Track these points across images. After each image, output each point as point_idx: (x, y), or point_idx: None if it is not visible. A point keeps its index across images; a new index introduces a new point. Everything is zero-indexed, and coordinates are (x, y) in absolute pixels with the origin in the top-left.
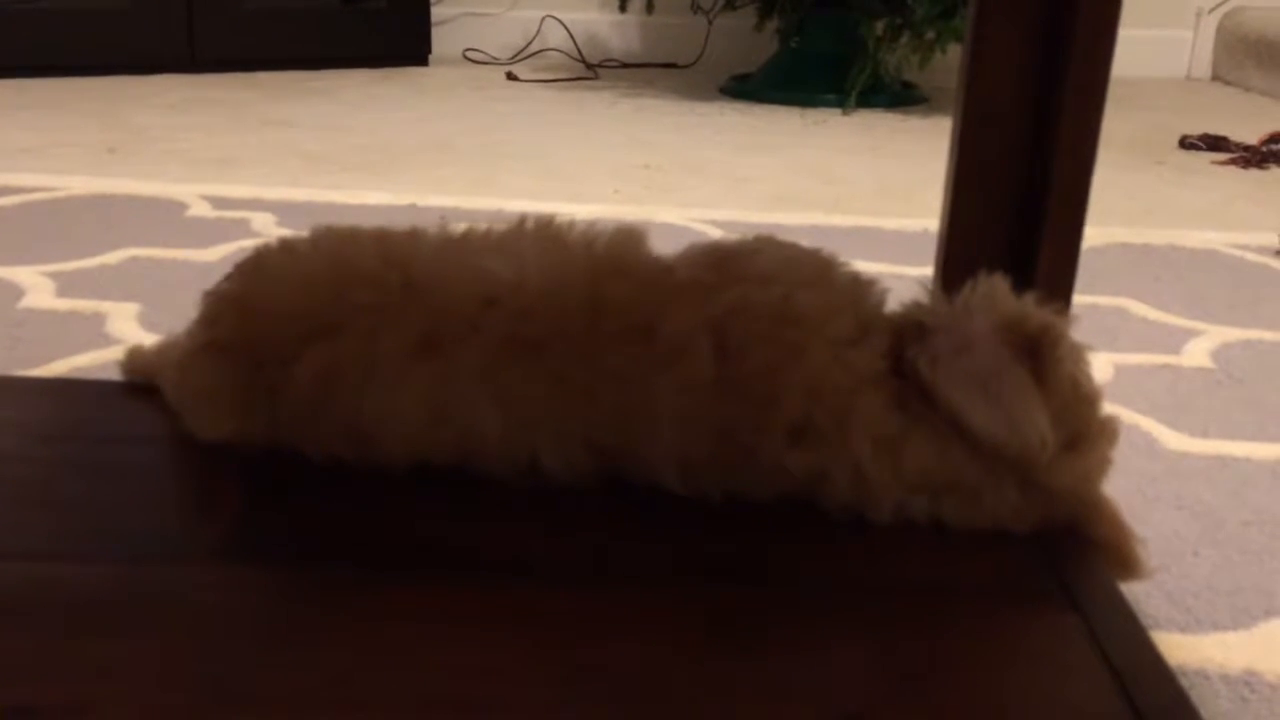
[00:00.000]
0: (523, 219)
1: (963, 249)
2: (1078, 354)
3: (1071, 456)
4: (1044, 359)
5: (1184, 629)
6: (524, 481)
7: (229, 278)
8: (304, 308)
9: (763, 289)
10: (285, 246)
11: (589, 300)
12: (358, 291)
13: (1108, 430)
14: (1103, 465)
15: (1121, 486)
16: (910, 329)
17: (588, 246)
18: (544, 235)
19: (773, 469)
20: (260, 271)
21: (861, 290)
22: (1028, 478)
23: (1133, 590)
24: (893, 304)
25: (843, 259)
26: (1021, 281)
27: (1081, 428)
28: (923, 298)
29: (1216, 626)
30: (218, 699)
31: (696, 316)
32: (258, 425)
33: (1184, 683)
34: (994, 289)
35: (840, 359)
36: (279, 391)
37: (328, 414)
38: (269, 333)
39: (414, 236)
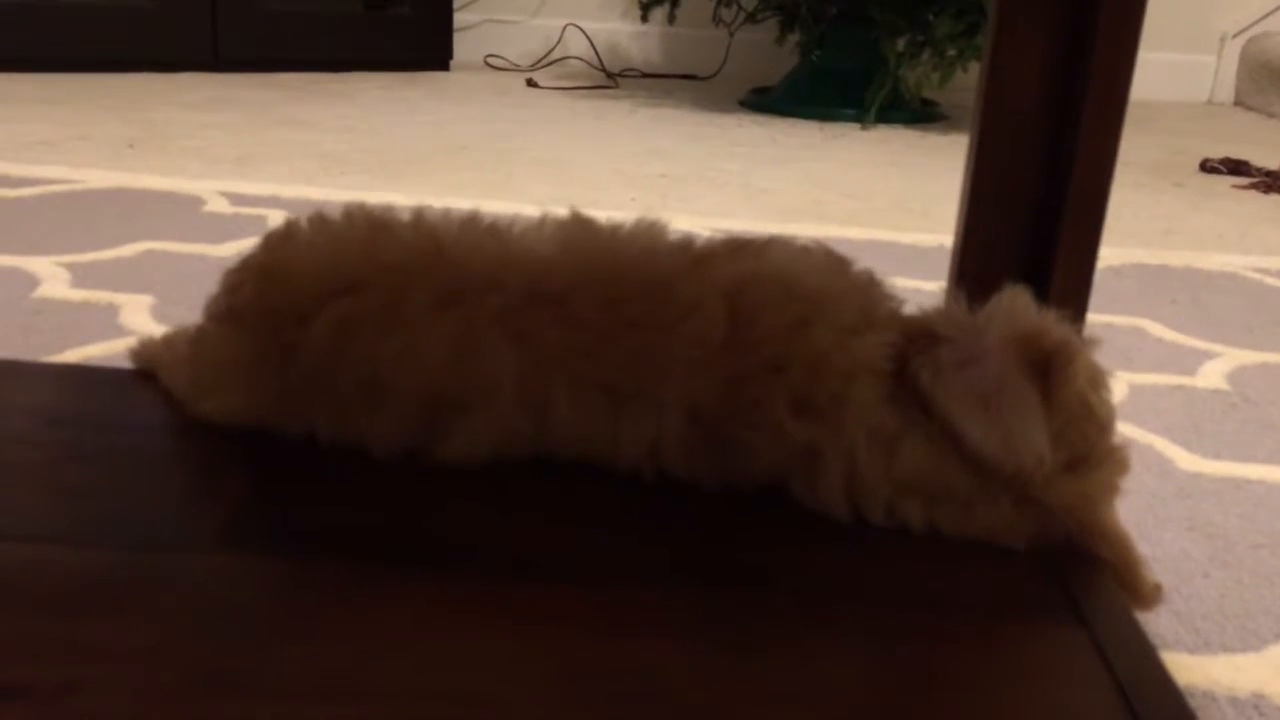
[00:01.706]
0: (545, 215)
1: (977, 261)
2: (1096, 376)
3: (1072, 477)
4: (1054, 376)
5: (1192, 650)
6: (535, 427)
7: (255, 249)
8: (331, 271)
9: (776, 267)
10: (316, 217)
11: (609, 264)
12: (388, 252)
13: (1115, 457)
14: (1107, 490)
15: (1133, 506)
16: (921, 335)
17: (612, 230)
18: (568, 219)
19: (776, 431)
20: (289, 241)
21: (873, 287)
22: (1024, 493)
23: (1140, 611)
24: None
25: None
26: (1036, 295)
27: (1086, 449)
28: (946, 306)
29: (1225, 648)
30: (210, 686)
31: (712, 281)
32: (268, 396)
33: (1191, 704)
34: (1015, 302)
35: (842, 343)
36: (294, 350)
37: (343, 365)
38: (291, 295)
39: (445, 215)
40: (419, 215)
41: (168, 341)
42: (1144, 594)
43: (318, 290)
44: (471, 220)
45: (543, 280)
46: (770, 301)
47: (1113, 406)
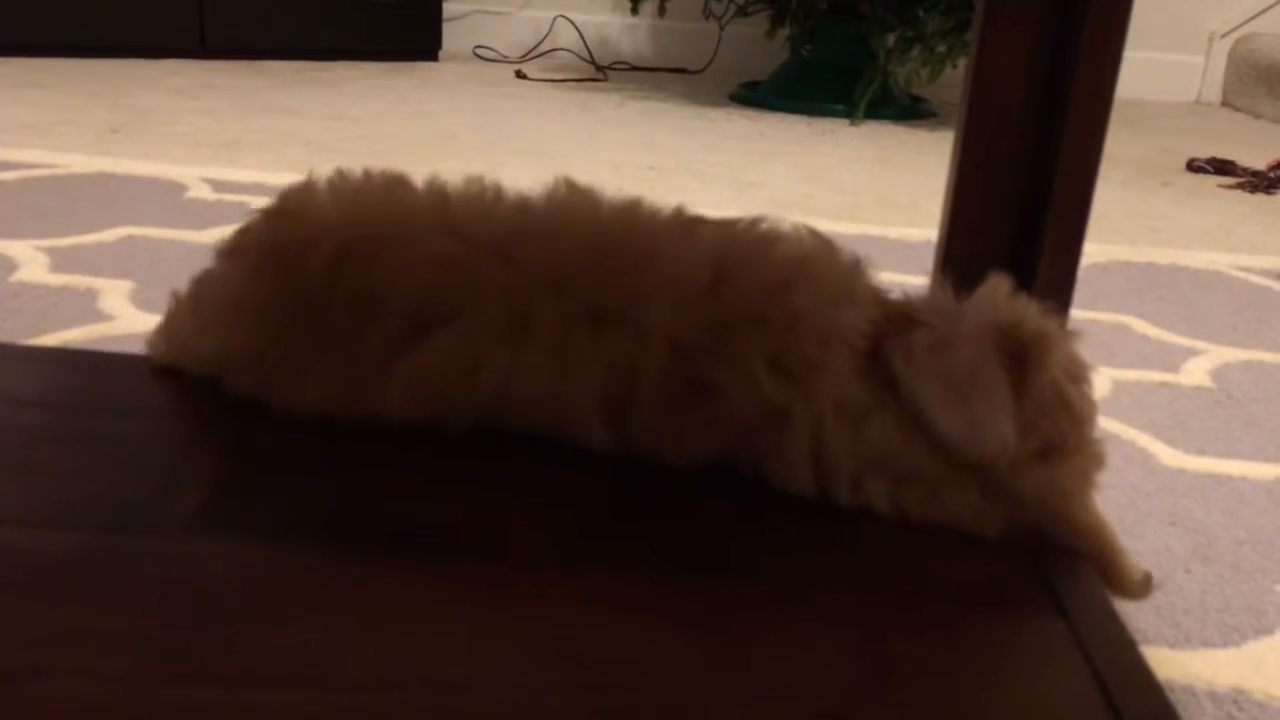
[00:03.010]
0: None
1: (962, 254)
2: (1076, 369)
3: (1043, 466)
4: (1029, 365)
5: (1173, 645)
6: (513, 347)
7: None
8: (340, 211)
9: (762, 235)
10: (335, 173)
11: (595, 215)
12: (397, 199)
13: (1090, 450)
14: (1082, 483)
15: (1116, 501)
16: (899, 318)
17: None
18: (561, 183)
19: (752, 383)
20: (304, 190)
21: (857, 270)
22: (991, 480)
23: (1122, 605)
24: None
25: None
26: (1021, 288)
27: (1059, 440)
28: (929, 293)
29: (1206, 643)
30: (177, 672)
31: (698, 240)
32: (267, 331)
33: (1170, 698)
34: (996, 291)
35: (821, 310)
36: (295, 277)
37: (338, 287)
38: (298, 231)
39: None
40: (433, 177)
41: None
42: (1131, 585)
43: (324, 226)
44: (478, 182)
45: (530, 218)
46: (754, 261)
47: (1092, 401)
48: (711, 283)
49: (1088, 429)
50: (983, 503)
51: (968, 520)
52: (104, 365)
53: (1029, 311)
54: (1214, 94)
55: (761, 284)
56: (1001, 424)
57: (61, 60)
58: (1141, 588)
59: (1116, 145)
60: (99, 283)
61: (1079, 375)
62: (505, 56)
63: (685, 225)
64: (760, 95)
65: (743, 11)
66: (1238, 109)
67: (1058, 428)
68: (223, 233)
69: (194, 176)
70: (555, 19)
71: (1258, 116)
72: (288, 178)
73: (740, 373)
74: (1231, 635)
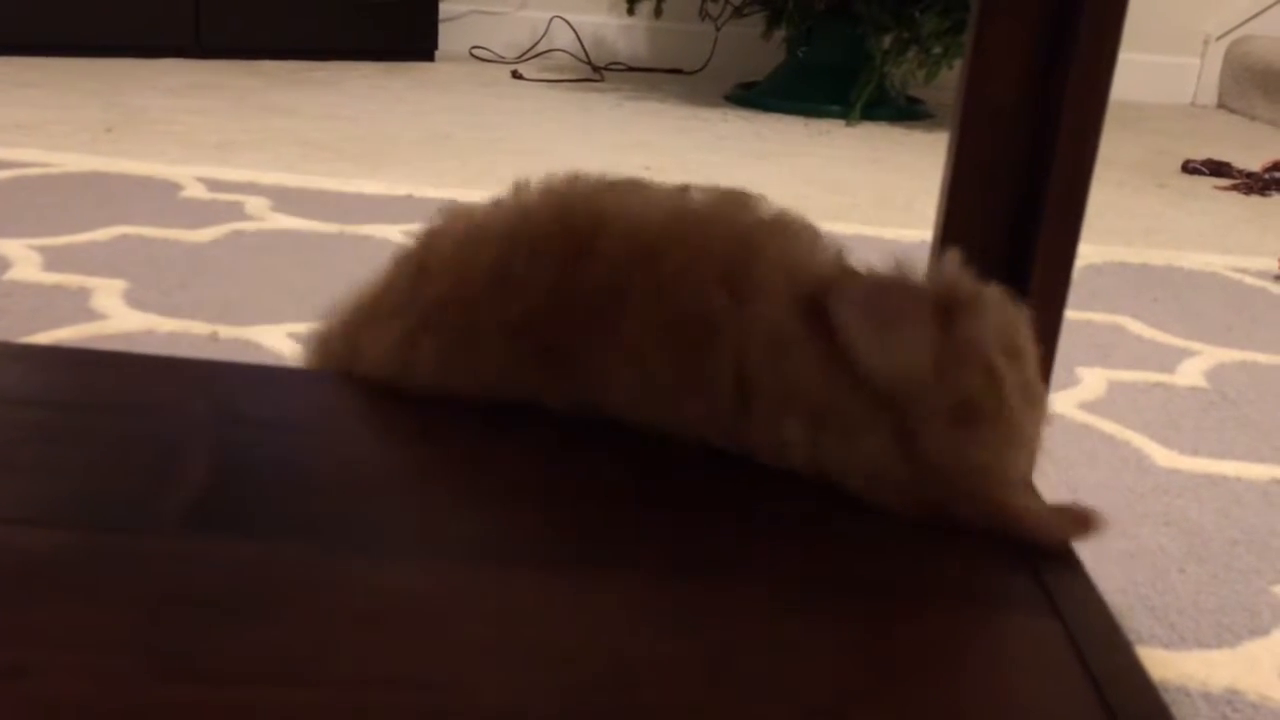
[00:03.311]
0: None
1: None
2: (1014, 345)
3: (957, 427)
4: (955, 319)
5: (1167, 645)
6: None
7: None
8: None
9: (751, 196)
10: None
11: (595, 180)
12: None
13: (1009, 423)
14: (995, 455)
15: (1110, 501)
16: (848, 277)
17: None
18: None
19: (701, 283)
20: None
21: (838, 252)
22: (905, 430)
23: (1116, 605)
24: None
25: None
26: (1015, 288)
27: (978, 400)
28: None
29: (1200, 644)
30: (163, 670)
31: (687, 192)
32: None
33: (1165, 699)
34: (948, 263)
35: (780, 247)
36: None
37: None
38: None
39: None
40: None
41: None
42: (1083, 521)
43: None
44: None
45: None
46: (734, 200)
47: (1031, 382)
48: (679, 200)
49: (1011, 400)
50: (896, 454)
51: (881, 468)
52: (96, 363)
53: (974, 282)
54: (1209, 96)
55: (732, 213)
56: (918, 353)
57: (56, 59)
58: (1092, 518)
59: (1112, 146)
60: (92, 282)
61: (1015, 349)
62: (501, 57)
63: (679, 188)
64: (756, 96)
65: (739, 12)
66: (1233, 111)
67: (975, 387)
68: (217, 232)
69: (189, 176)
70: (551, 19)
71: (1253, 118)
72: (283, 177)
73: (691, 264)
74: (1226, 636)
